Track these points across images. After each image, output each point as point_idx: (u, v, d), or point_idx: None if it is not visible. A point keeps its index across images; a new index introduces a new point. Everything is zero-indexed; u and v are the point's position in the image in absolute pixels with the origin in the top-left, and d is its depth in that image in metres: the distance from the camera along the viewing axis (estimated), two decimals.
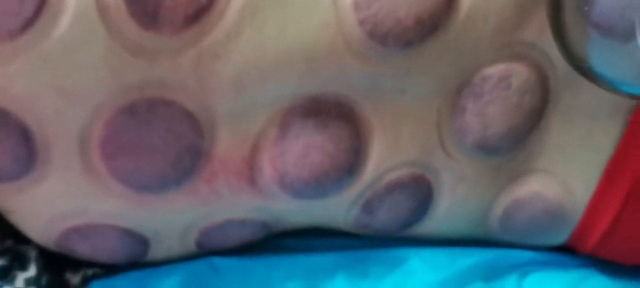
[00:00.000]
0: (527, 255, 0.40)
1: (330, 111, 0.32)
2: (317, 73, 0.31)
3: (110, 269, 0.37)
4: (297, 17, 0.29)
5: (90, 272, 0.37)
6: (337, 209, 0.37)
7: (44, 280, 0.35)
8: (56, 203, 0.32)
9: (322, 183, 0.34)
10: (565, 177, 0.37)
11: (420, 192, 0.36)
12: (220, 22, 0.28)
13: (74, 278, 0.37)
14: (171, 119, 0.30)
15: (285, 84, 0.31)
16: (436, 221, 0.39)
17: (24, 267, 0.35)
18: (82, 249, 0.35)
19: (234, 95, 0.30)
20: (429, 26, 0.30)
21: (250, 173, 0.33)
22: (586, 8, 0.26)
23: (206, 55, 0.29)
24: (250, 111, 0.32)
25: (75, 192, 0.32)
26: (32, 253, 0.35)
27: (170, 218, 0.35)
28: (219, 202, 0.34)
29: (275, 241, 0.39)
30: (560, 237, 0.40)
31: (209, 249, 0.38)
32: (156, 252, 0.37)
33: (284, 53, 0.30)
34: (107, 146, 0.30)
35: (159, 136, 0.30)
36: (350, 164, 0.34)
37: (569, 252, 0.41)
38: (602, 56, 0.27)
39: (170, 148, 0.31)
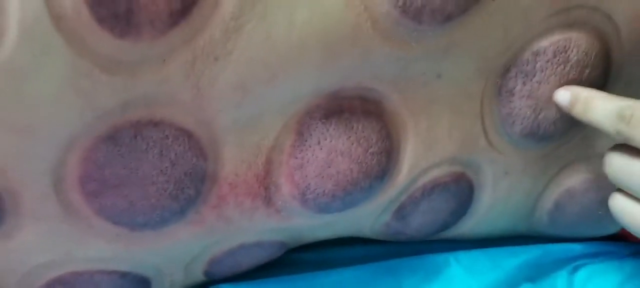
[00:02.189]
0: (575, 247, 0.36)
1: (354, 108, 0.27)
2: (337, 63, 0.25)
3: None
4: None
5: None
6: (364, 218, 0.32)
7: None
8: (33, 256, 0.27)
9: (350, 194, 0.28)
10: None
11: (460, 192, 0.32)
12: (215, 15, 0.22)
13: None
14: (164, 142, 0.24)
15: (299, 81, 0.25)
16: (476, 221, 0.34)
17: None
18: None
19: (238, 102, 0.25)
20: None
21: (265, 193, 0.28)
22: None
23: (201, 58, 0.23)
24: (260, 119, 0.26)
25: (55, 240, 0.26)
26: None
27: (173, 252, 0.29)
28: (229, 228, 0.29)
29: (290, 256, 0.35)
30: (614, 226, 0.36)
31: (218, 277, 0.33)
32: None
33: (296, 43, 0.24)
34: (89, 183, 0.24)
35: (152, 164, 0.25)
36: (382, 169, 0.28)
37: (619, 240, 0.37)
38: None
39: (166, 177, 0.25)
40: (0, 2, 0.19)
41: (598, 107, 0.26)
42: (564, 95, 0.28)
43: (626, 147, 0.26)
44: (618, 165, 0.26)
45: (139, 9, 0.20)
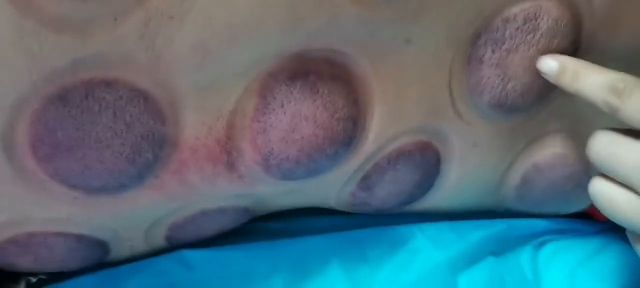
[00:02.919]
0: (541, 224, 0.36)
1: (321, 71, 0.26)
2: (303, 23, 0.24)
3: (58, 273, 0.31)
4: None
5: (33, 279, 0.32)
6: (329, 187, 0.31)
7: None
8: None
9: (314, 161, 0.28)
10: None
11: (426, 162, 0.31)
12: None
13: None
14: (118, 103, 0.23)
15: (263, 41, 0.24)
16: (442, 194, 0.34)
17: None
18: (24, 262, 0.29)
19: (197, 63, 0.24)
20: None
21: (227, 158, 0.27)
22: None
23: (156, 18, 0.22)
24: (221, 81, 0.25)
25: (8, 203, 0.26)
26: None
27: (133, 217, 0.29)
28: (190, 194, 0.28)
29: (255, 225, 0.34)
30: (581, 204, 0.36)
31: (181, 243, 0.32)
32: (117, 253, 0.31)
33: (259, 2, 0.23)
34: (40, 146, 0.23)
35: (105, 126, 0.24)
36: (348, 135, 0.28)
37: (585, 218, 0.37)
38: None
39: (122, 139, 0.24)
40: None
41: (588, 77, 0.25)
42: (550, 63, 0.26)
43: (610, 131, 0.25)
44: (601, 146, 0.25)
45: None
